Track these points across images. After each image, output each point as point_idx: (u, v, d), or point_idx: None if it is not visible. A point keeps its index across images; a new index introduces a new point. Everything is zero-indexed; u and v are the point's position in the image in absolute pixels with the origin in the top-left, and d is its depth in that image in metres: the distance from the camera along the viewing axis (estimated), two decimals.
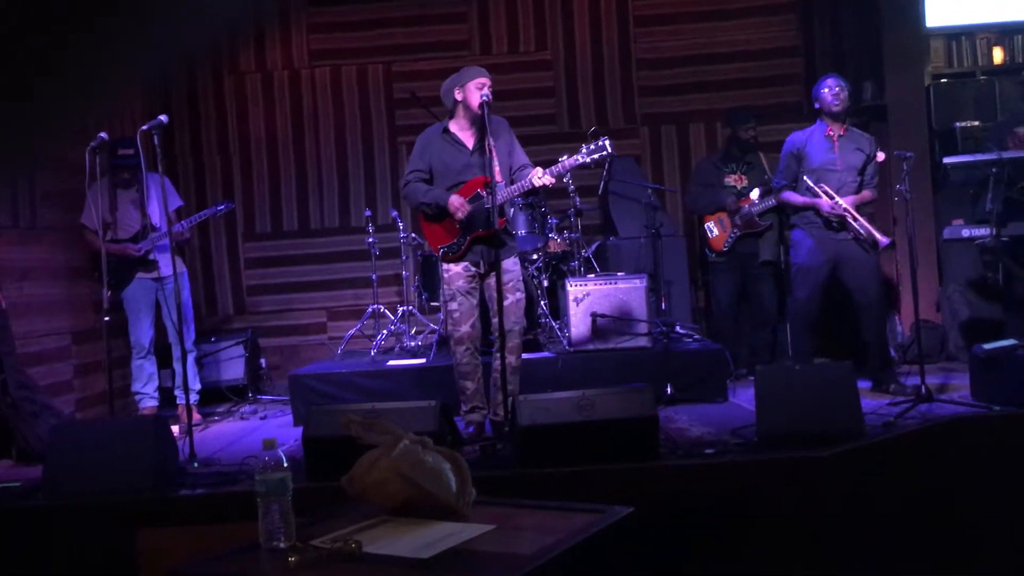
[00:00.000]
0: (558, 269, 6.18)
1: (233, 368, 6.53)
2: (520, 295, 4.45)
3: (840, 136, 5.12)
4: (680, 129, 7.34)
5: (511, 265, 4.42)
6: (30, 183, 5.48)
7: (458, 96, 4.36)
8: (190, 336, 5.48)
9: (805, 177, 5.07)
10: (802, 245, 5.16)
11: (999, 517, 3.69)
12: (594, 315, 5.38)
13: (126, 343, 5.53)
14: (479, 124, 4.35)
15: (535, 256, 5.94)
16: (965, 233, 6.05)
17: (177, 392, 5.43)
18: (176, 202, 5.52)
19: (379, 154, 7.40)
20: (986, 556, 3.66)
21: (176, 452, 4.04)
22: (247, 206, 7.39)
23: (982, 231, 5.60)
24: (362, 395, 5.20)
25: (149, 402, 5.47)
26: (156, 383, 5.52)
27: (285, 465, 2.01)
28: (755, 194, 5.79)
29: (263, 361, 6.98)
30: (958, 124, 6.41)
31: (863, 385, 4.57)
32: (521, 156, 4.48)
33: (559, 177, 4.31)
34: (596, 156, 4.23)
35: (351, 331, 6.56)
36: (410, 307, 6.36)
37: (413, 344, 6.16)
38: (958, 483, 3.74)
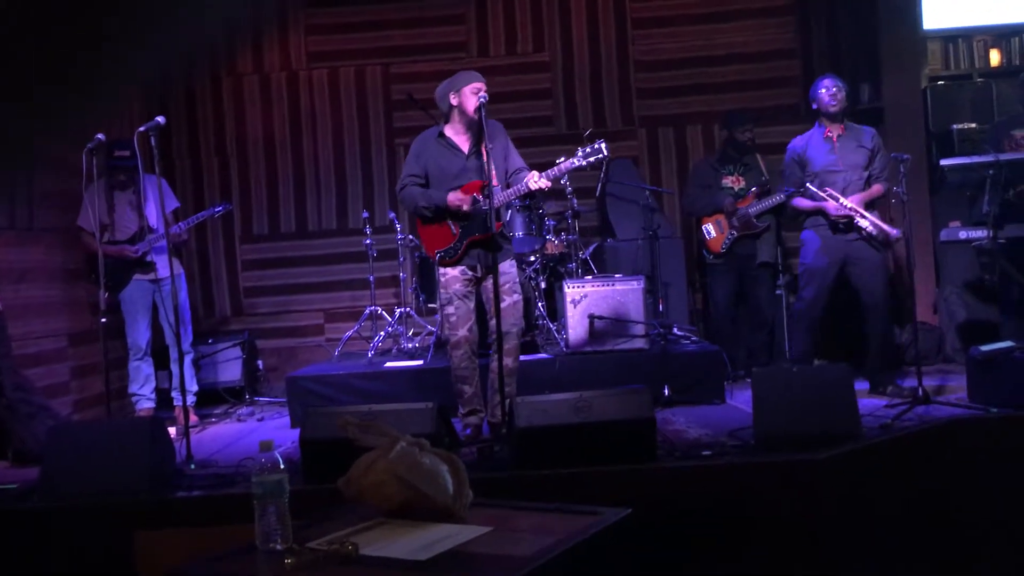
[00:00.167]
0: (555, 271, 6.18)
1: (230, 370, 6.52)
2: (517, 297, 4.45)
3: (840, 136, 5.13)
4: (678, 131, 7.34)
5: (508, 267, 4.42)
6: (28, 184, 5.48)
7: (453, 101, 4.36)
8: (187, 338, 5.47)
9: (808, 184, 5.08)
10: (810, 246, 5.16)
11: (996, 518, 3.69)
12: (592, 317, 5.38)
13: (123, 345, 5.52)
14: (475, 128, 4.35)
15: (532, 258, 5.94)
16: (962, 235, 6.04)
17: (174, 394, 5.42)
18: (173, 203, 5.52)
19: (377, 156, 7.39)
20: (984, 557, 3.66)
21: (173, 454, 4.04)
22: (244, 208, 7.38)
23: (979, 233, 5.60)
24: (359, 397, 5.20)
25: (146, 404, 5.46)
26: (153, 385, 5.52)
27: (281, 467, 2.01)
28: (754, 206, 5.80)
29: (260, 363, 6.97)
30: (955, 126, 6.42)
31: (860, 387, 4.58)
32: (517, 159, 4.48)
33: (556, 179, 4.31)
34: (592, 159, 4.24)
35: (348, 333, 6.55)
36: (407, 309, 6.36)
37: (410, 346, 6.16)
38: (955, 485, 3.74)
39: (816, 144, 5.17)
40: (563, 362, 5.32)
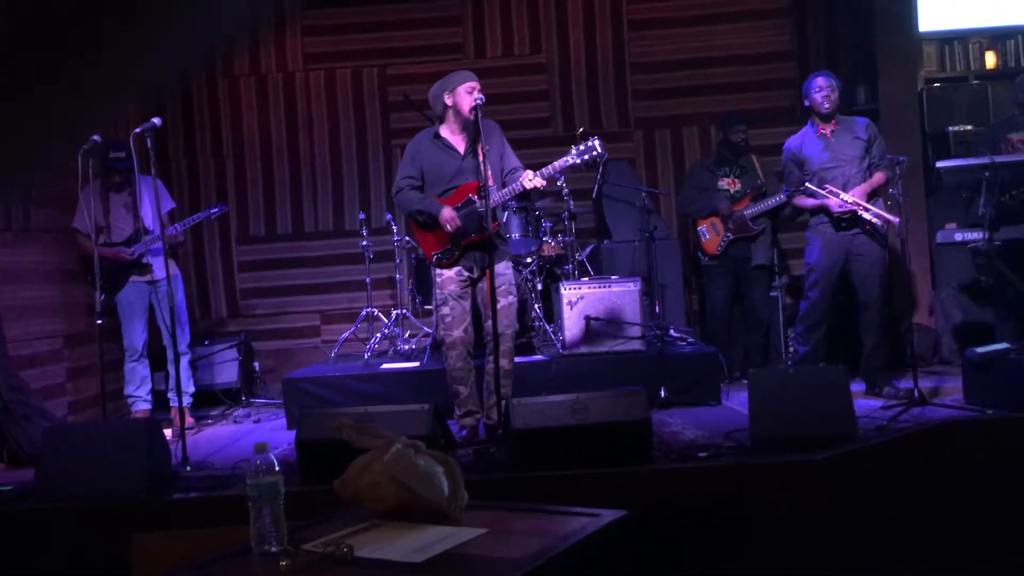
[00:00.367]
0: (552, 272, 6.18)
1: (226, 371, 6.52)
2: (512, 299, 4.44)
3: (833, 131, 5.14)
4: (674, 133, 7.35)
5: (503, 269, 4.42)
6: (24, 185, 5.46)
7: (448, 101, 4.36)
8: (184, 339, 5.46)
9: (807, 183, 5.08)
10: (815, 246, 5.17)
11: (993, 519, 3.70)
12: (588, 318, 5.38)
13: (119, 346, 5.52)
14: (470, 128, 4.34)
15: (529, 259, 5.94)
16: (958, 237, 6.05)
17: (170, 395, 5.40)
18: (169, 204, 5.51)
19: (373, 157, 7.39)
20: (981, 557, 3.66)
21: (169, 455, 4.03)
22: (241, 209, 7.38)
23: (975, 235, 5.60)
24: (356, 398, 5.19)
25: (142, 405, 5.46)
26: (149, 386, 5.51)
27: (277, 469, 2.01)
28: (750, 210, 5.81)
29: (256, 364, 6.97)
30: (951, 128, 6.44)
31: (856, 388, 4.58)
32: (512, 159, 4.48)
33: (553, 180, 4.31)
34: (586, 157, 4.23)
35: (345, 334, 6.55)
36: (404, 310, 6.36)
37: (407, 347, 6.16)
38: (951, 486, 3.74)
39: (810, 143, 5.18)
40: (559, 363, 5.31)
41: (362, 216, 6.61)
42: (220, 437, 5.24)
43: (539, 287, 5.97)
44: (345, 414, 3.85)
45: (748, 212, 5.86)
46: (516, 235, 5.68)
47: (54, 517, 3.58)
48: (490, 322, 4.28)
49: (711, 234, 6.02)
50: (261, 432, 5.37)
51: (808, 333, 5.21)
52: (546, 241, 5.99)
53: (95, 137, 4.47)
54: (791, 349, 5.53)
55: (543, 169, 4.25)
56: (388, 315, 6.43)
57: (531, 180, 4.21)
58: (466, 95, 4.28)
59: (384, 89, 7.38)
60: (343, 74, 7.41)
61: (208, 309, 7.37)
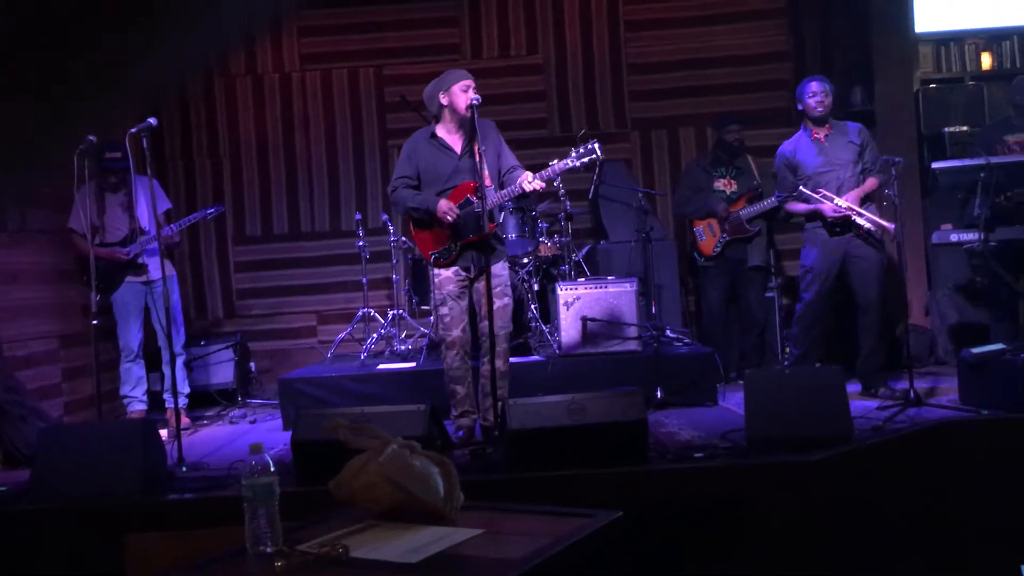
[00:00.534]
0: (548, 273, 6.18)
1: (222, 372, 6.51)
2: (508, 300, 4.44)
3: (827, 136, 5.15)
4: (671, 133, 7.36)
5: (500, 269, 4.42)
6: (19, 186, 5.46)
7: (443, 100, 4.35)
8: (179, 340, 5.46)
9: (802, 187, 5.08)
10: (811, 247, 5.18)
11: (988, 519, 3.70)
12: (584, 319, 5.39)
13: (115, 346, 5.51)
14: (467, 127, 4.34)
15: (525, 260, 5.94)
16: (953, 238, 6.06)
17: (166, 396, 5.41)
18: (165, 204, 5.50)
19: (370, 158, 7.39)
20: (976, 558, 3.67)
21: (164, 456, 4.03)
22: (237, 209, 7.38)
23: (970, 236, 5.62)
24: (352, 399, 5.19)
25: (137, 406, 5.45)
26: (145, 387, 5.50)
27: (272, 470, 2.00)
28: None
29: (253, 365, 6.97)
30: (947, 129, 6.44)
31: (852, 388, 4.58)
32: (510, 158, 4.48)
33: (549, 180, 4.30)
34: (586, 159, 4.22)
35: (341, 335, 6.54)
36: (400, 311, 6.35)
37: (403, 348, 6.16)
38: (947, 486, 3.74)
39: (804, 147, 5.19)
40: (556, 364, 5.32)
41: (358, 216, 6.60)
42: (216, 438, 5.24)
43: (536, 288, 5.98)
44: (341, 415, 3.85)
45: (744, 213, 5.87)
46: (513, 235, 5.68)
47: (49, 518, 3.58)
48: (485, 323, 4.28)
49: (707, 235, 6.02)
50: (257, 433, 5.37)
51: (803, 335, 5.22)
52: (543, 242, 5.99)
53: (91, 137, 4.47)
54: (787, 350, 5.53)
55: (543, 171, 4.25)
56: (384, 315, 6.43)
57: (530, 182, 4.20)
58: (461, 93, 4.28)
59: (380, 89, 7.38)
60: (339, 74, 7.41)
61: (204, 309, 7.36)
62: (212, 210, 5.52)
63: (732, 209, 5.94)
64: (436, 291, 4.46)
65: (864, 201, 5.03)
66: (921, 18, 6.73)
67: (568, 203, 6.14)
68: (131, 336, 5.38)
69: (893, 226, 4.90)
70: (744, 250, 6.03)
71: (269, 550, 1.94)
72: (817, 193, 5.03)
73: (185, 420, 5.40)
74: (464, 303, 4.44)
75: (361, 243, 6.46)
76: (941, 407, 4.49)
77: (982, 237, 5.23)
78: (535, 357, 5.55)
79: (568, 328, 5.42)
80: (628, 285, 5.47)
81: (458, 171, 4.36)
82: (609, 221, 6.75)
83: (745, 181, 6.06)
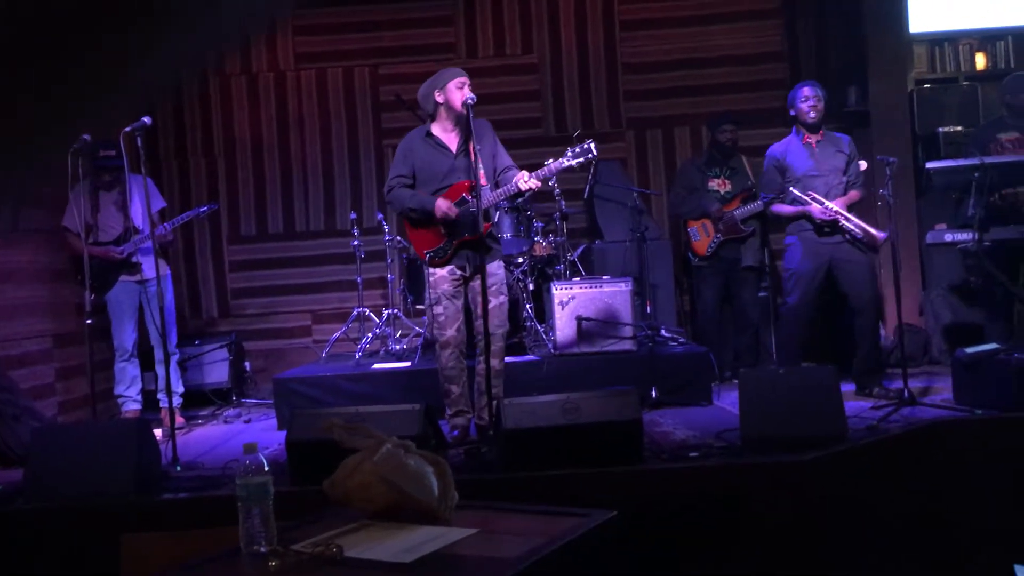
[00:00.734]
0: (543, 272, 6.19)
1: (217, 371, 6.50)
2: (503, 298, 4.44)
3: (819, 142, 5.16)
4: (666, 133, 7.36)
5: (495, 268, 4.42)
6: (13, 185, 5.44)
7: (439, 98, 4.35)
8: (173, 339, 5.45)
9: (792, 188, 5.09)
10: (795, 250, 5.18)
11: (982, 519, 3.71)
12: (579, 318, 5.39)
13: (109, 346, 5.50)
14: (463, 125, 4.34)
15: (520, 259, 5.94)
16: (948, 238, 6.08)
17: (160, 395, 5.40)
18: (159, 203, 5.49)
19: (364, 157, 7.38)
20: (970, 557, 3.68)
21: (159, 456, 4.02)
22: (232, 208, 7.36)
23: (965, 236, 5.63)
24: (347, 399, 5.19)
25: (132, 405, 5.44)
26: (139, 386, 5.49)
27: (266, 469, 2.00)
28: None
29: (247, 364, 6.95)
30: (941, 129, 6.46)
31: (846, 388, 4.59)
32: (505, 158, 4.47)
33: (544, 180, 4.31)
34: (582, 159, 4.23)
35: (336, 334, 6.54)
36: (395, 310, 6.35)
37: (398, 347, 6.15)
38: (941, 486, 3.75)
39: (795, 150, 5.19)
40: (551, 364, 5.32)
41: (353, 216, 6.60)
42: (210, 437, 5.23)
43: (531, 287, 5.98)
44: (336, 414, 3.85)
45: (738, 213, 5.87)
46: (508, 235, 5.68)
47: (44, 518, 3.57)
48: (480, 322, 4.28)
49: (702, 235, 6.03)
50: (251, 432, 5.36)
51: (789, 338, 5.23)
52: (538, 241, 5.99)
53: (85, 136, 4.46)
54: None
55: (538, 171, 4.25)
56: (379, 315, 6.42)
57: (526, 182, 4.20)
58: (456, 90, 4.28)
59: (376, 89, 7.37)
60: (334, 73, 7.40)
61: (199, 309, 7.35)
62: (205, 208, 5.51)
63: (726, 209, 5.95)
64: (431, 290, 4.46)
65: (849, 211, 5.05)
66: (915, 18, 6.75)
67: (563, 202, 6.14)
68: (125, 335, 5.37)
69: (884, 235, 4.91)
70: (738, 250, 6.04)
71: (263, 550, 1.94)
72: (807, 195, 5.04)
73: (180, 419, 5.39)
74: (459, 302, 4.44)
75: (356, 242, 6.45)
76: (935, 406, 4.50)
77: (976, 237, 5.24)
78: (530, 356, 5.55)
79: (563, 328, 5.42)
80: (623, 285, 5.47)
81: (454, 170, 4.36)
82: (604, 221, 6.75)
83: (739, 181, 6.06)
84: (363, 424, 2.35)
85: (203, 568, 1.93)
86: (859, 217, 5.08)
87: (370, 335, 6.26)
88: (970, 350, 4.47)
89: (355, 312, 6.47)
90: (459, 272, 4.41)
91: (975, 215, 5.19)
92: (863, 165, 5.23)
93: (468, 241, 4.32)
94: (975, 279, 5.73)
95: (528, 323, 5.87)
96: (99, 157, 5.14)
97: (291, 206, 7.39)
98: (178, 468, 4.07)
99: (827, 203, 4.98)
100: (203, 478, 3.93)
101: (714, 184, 6.10)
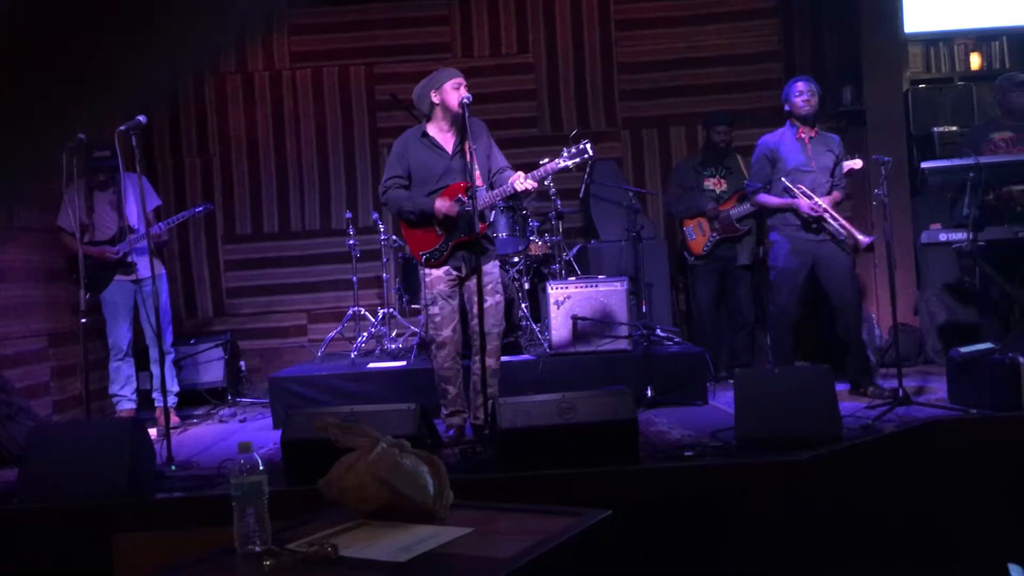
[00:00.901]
0: (539, 272, 6.18)
1: (212, 370, 6.49)
2: (499, 297, 4.44)
3: (811, 138, 5.16)
4: (661, 132, 7.36)
5: (491, 268, 4.41)
6: (9, 184, 5.43)
7: (435, 99, 4.34)
8: (168, 338, 5.44)
9: (783, 179, 5.09)
10: (780, 248, 5.18)
11: (976, 518, 3.72)
12: (575, 318, 5.39)
13: (103, 345, 5.49)
14: (459, 125, 4.33)
15: (516, 259, 5.94)
16: (942, 237, 6.09)
17: (155, 394, 5.39)
18: (154, 201, 5.48)
19: (360, 156, 7.38)
20: (964, 557, 3.69)
21: (153, 455, 4.01)
22: (227, 208, 7.35)
23: (959, 235, 5.64)
24: (342, 398, 5.18)
25: (127, 404, 5.43)
26: (134, 385, 5.48)
27: (261, 468, 2.00)
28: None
29: (243, 363, 6.95)
30: (936, 129, 6.48)
31: (841, 388, 4.59)
32: (500, 159, 4.47)
33: (541, 180, 4.30)
34: (577, 159, 4.23)
35: (331, 334, 6.53)
36: (391, 309, 6.34)
37: (394, 347, 6.15)
38: (935, 485, 3.76)
39: (789, 143, 5.19)
40: (546, 363, 5.31)
41: (349, 215, 6.59)
42: (205, 437, 5.22)
43: (526, 286, 5.97)
44: (331, 413, 3.84)
45: (734, 212, 5.88)
46: (503, 234, 5.68)
47: (38, 517, 3.56)
48: (475, 321, 4.28)
49: (697, 234, 6.03)
50: (246, 432, 5.35)
51: (781, 338, 5.24)
52: (533, 240, 5.99)
53: (80, 135, 4.44)
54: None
55: (534, 171, 4.24)
56: (375, 314, 6.42)
57: (522, 182, 4.19)
58: (453, 91, 4.28)
59: (371, 88, 7.37)
60: (330, 72, 7.39)
61: (194, 308, 7.34)
62: (200, 208, 5.50)
63: (722, 208, 5.95)
64: (427, 290, 4.45)
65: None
66: (910, 18, 6.76)
67: (559, 202, 6.15)
68: (120, 335, 5.36)
69: (867, 240, 4.92)
70: (734, 249, 6.05)
71: (258, 549, 1.94)
72: (796, 187, 5.04)
73: (174, 419, 5.39)
74: (455, 302, 4.43)
75: (351, 242, 6.44)
76: (930, 406, 4.50)
77: (971, 236, 5.25)
78: (525, 356, 5.55)
79: (558, 327, 5.42)
80: (618, 284, 5.47)
81: (449, 171, 4.36)
82: (600, 220, 6.76)
83: (735, 180, 6.07)
84: (358, 423, 2.35)
85: (197, 567, 1.93)
86: (845, 218, 5.09)
87: (365, 334, 6.25)
88: (964, 350, 4.48)
89: (351, 311, 6.47)
90: (455, 273, 4.40)
91: (970, 215, 5.20)
92: (858, 164, 5.23)
93: (464, 242, 4.31)
94: (969, 279, 5.74)
95: (524, 322, 5.87)
96: (93, 156, 5.13)
97: (286, 205, 7.38)
98: (173, 467, 4.06)
99: (816, 199, 4.99)
100: (198, 478, 3.92)
101: (710, 183, 6.10)
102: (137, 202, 5.06)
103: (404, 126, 5.02)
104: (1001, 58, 6.86)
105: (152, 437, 4.16)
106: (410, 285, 6.04)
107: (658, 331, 5.68)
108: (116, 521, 3.47)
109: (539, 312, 5.90)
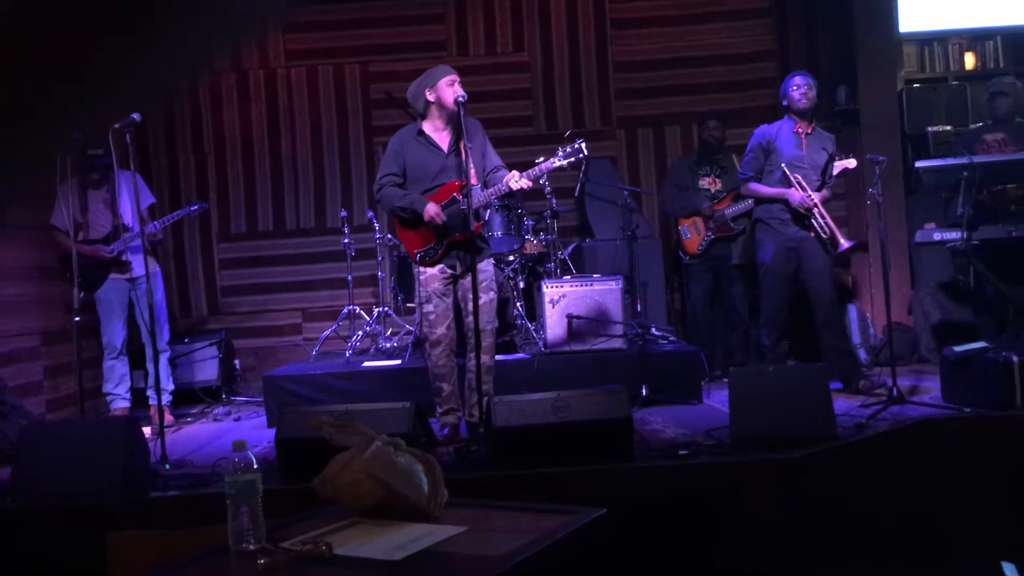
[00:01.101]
0: (534, 271, 6.18)
1: (207, 369, 6.48)
2: (493, 295, 4.44)
3: (808, 134, 5.17)
4: (656, 132, 7.37)
5: (485, 266, 4.42)
6: (8, 184, 5.41)
7: (430, 97, 4.34)
8: (163, 337, 5.43)
9: (783, 164, 5.08)
10: (766, 245, 5.19)
11: (969, 517, 3.73)
12: (570, 317, 5.39)
13: (98, 344, 5.48)
14: (455, 123, 4.33)
15: (511, 257, 5.94)
16: (936, 236, 6.11)
17: (149, 393, 5.38)
18: (148, 199, 5.47)
19: (355, 155, 7.37)
20: (958, 555, 3.70)
21: (147, 454, 4.00)
22: (222, 206, 7.34)
23: (953, 234, 5.66)
24: (337, 396, 5.17)
25: (121, 403, 5.42)
26: (128, 384, 5.47)
27: (255, 467, 2.00)
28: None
29: (237, 362, 6.94)
30: (930, 128, 6.49)
31: (834, 387, 4.61)
32: (494, 159, 4.47)
33: (536, 179, 4.30)
34: (572, 159, 4.23)
35: (326, 332, 6.53)
36: (386, 308, 6.34)
37: (388, 345, 6.14)
38: (929, 483, 3.77)
39: (785, 136, 5.19)
40: (541, 362, 5.31)
41: (344, 213, 6.59)
42: (200, 435, 5.22)
43: (521, 285, 5.97)
44: (325, 412, 3.84)
45: (729, 212, 5.88)
46: (498, 233, 5.68)
47: (31, 516, 3.55)
48: (469, 319, 4.28)
49: (692, 233, 6.04)
50: (241, 430, 5.35)
51: (772, 333, 5.25)
52: (528, 239, 5.99)
53: (75, 133, 4.42)
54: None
55: (529, 170, 4.24)
56: (370, 313, 6.41)
57: (517, 181, 4.20)
58: (447, 88, 4.27)
59: (366, 86, 7.36)
60: (325, 71, 7.38)
61: (188, 307, 7.33)
62: (195, 207, 5.49)
63: (717, 208, 5.96)
64: (421, 289, 4.45)
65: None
66: (905, 18, 6.77)
67: (554, 201, 6.15)
68: (115, 333, 5.35)
69: (847, 245, 4.94)
70: (729, 248, 6.06)
71: (252, 548, 1.93)
72: (792, 176, 5.04)
73: (169, 417, 5.37)
74: (449, 300, 4.43)
75: (346, 240, 6.44)
76: (923, 405, 4.51)
77: (965, 236, 5.27)
78: (520, 355, 5.55)
79: (553, 326, 5.42)
80: (613, 283, 5.47)
81: (445, 169, 4.35)
82: (595, 219, 6.76)
83: (730, 180, 6.07)
84: (353, 422, 2.35)
85: (191, 566, 1.93)
86: (832, 218, 5.10)
87: (360, 333, 6.25)
88: (958, 348, 4.49)
89: (345, 310, 6.46)
90: (449, 271, 4.40)
91: (964, 214, 5.21)
92: (852, 164, 5.24)
93: (458, 241, 4.31)
94: (963, 278, 5.76)
95: (518, 321, 5.87)
96: (88, 154, 5.12)
97: (281, 204, 7.37)
98: (167, 466, 4.05)
99: (810, 191, 5.00)
100: (192, 476, 3.92)
101: (705, 183, 6.11)
102: (131, 200, 5.05)
103: (399, 125, 5.01)
104: (995, 58, 6.88)
105: (146, 436, 4.15)
106: (405, 284, 6.04)
107: (653, 330, 5.68)
108: (110, 520, 3.46)
109: (534, 311, 5.90)
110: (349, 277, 6.51)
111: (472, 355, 4.37)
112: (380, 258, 6.56)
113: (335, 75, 7.38)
